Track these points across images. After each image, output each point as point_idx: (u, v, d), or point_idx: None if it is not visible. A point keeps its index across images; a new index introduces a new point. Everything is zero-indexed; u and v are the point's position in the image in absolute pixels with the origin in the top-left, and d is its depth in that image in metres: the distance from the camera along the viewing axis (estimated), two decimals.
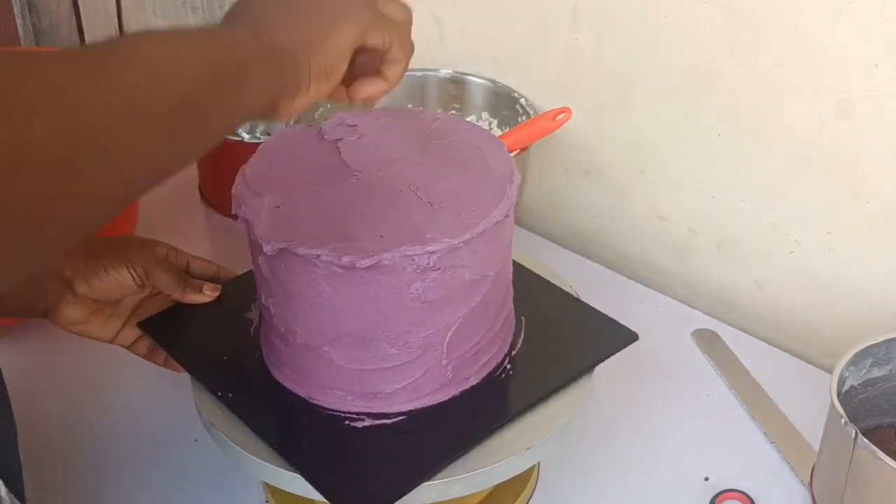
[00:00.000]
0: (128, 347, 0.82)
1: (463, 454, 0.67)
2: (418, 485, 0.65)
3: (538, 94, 1.10)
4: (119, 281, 0.77)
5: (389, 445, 0.69)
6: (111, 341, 0.81)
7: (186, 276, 0.81)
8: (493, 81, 1.13)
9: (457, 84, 1.15)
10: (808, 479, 0.83)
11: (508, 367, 0.75)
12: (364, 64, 0.64)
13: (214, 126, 0.54)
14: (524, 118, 1.07)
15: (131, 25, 1.73)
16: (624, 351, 0.77)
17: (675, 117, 1.00)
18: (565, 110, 1.01)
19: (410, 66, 1.14)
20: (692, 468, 0.85)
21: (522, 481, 0.81)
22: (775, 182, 0.96)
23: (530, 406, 0.71)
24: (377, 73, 0.67)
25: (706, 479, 0.84)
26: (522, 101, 1.09)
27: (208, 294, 0.80)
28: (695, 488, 0.83)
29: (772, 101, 0.92)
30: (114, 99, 0.45)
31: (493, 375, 0.74)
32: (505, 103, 1.12)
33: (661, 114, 1.01)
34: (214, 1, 1.52)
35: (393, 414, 0.70)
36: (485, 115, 1.14)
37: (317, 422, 0.71)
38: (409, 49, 0.66)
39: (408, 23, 0.66)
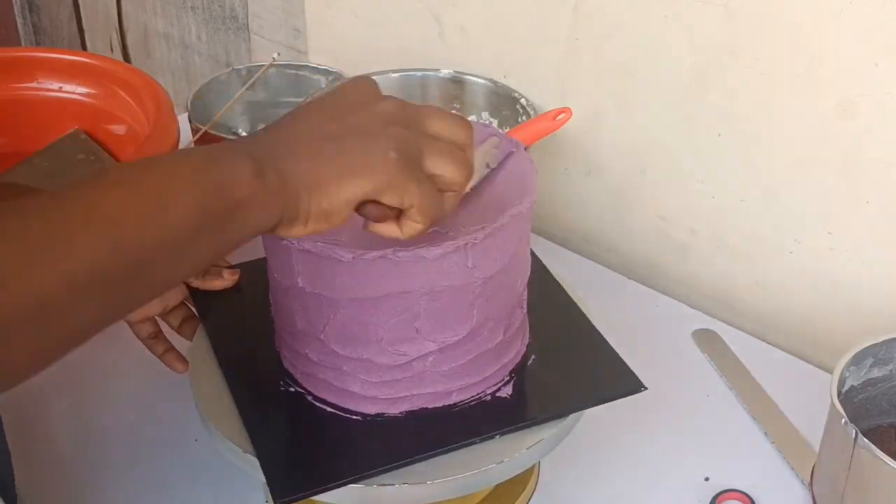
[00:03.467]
0: (132, 324, 0.83)
1: (413, 464, 0.67)
2: (336, 486, 0.65)
3: (538, 94, 1.10)
4: None
5: (338, 436, 0.70)
6: None
7: None
8: (493, 81, 1.13)
9: (457, 84, 1.15)
10: (809, 479, 0.83)
11: (507, 388, 0.73)
12: (375, 214, 0.59)
13: (188, 267, 0.53)
14: (524, 118, 1.07)
15: (131, 25, 1.73)
16: (624, 350, 0.77)
17: (675, 117, 1.00)
18: (565, 110, 1.01)
19: (410, 66, 1.16)
20: (692, 468, 0.85)
21: (522, 481, 0.81)
22: (775, 182, 0.96)
23: (507, 432, 0.70)
24: (396, 218, 0.60)
25: (706, 479, 0.84)
26: (523, 101, 1.09)
27: (228, 278, 0.81)
28: (695, 488, 0.83)
29: (772, 101, 0.92)
30: (77, 267, 0.45)
31: (491, 390, 0.73)
32: (505, 103, 1.12)
33: (661, 114, 1.01)
34: (214, 1, 1.52)
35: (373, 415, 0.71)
36: (485, 115, 1.14)
37: (280, 397, 0.73)
38: (434, 215, 0.59)
39: (455, 185, 0.60)
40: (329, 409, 0.71)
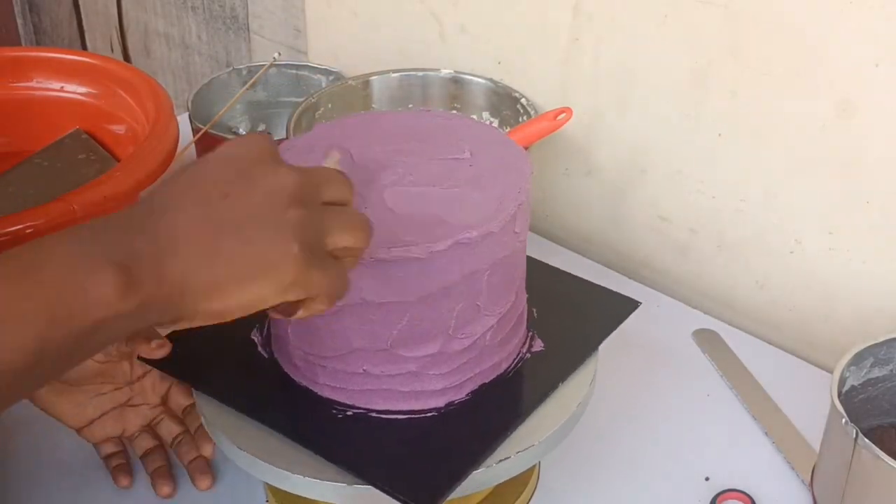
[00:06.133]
0: (95, 445, 0.81)
1: (511, 433, 0.69)
2: (471, 472, 0.66)
3: (538, 94, 1.10)
4: None
5: (427, 437, 0.70)
6: (79, 430, 0.80)
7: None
8: (494, 81, 1.13)
9: (457, 84, 1.15)
10: (809, 479, 0.83)
11: (538, 342, 0.76)
12: (278, 310, 0.55)
13: (22, 390, 0.47)
14: (525, 118, 1.08)
15: (131, 25, 1.73)
16: (624, 350, 0.77)
17: (675, 117, 1.00)
18: (566, 110, 1.01)
19: (410, 66, 1.16)
20: (692, 468, 0.85)
21: (522, 481, 0.81)
22: (776, 182, 0.96)
23: (567, 376, 0.73)
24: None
25: (706, 479, 0.84)
26: (523, 101, 1.09)
27: (156, 349, 0.71)
28: (695, 488, 0.83)
29: (772, 101, 0.92)
30: None
31: (524, 348, 0.76)
32: (505, 103, 1.12)
33: (661, 114, 1.01)
34: (215, 1, 1.52)
35: (420, 410, 0.71)
36: (485, 115, 1.14)
37: (347, 423, 0.71)
38: (340, 296, 0.56)
39: (357, 251, 0.57)
40: (401, 416, 0.71)
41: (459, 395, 0.72)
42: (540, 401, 0.72)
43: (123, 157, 1.13)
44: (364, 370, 0.70)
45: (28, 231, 0.88)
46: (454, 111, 1.16)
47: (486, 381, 0.73)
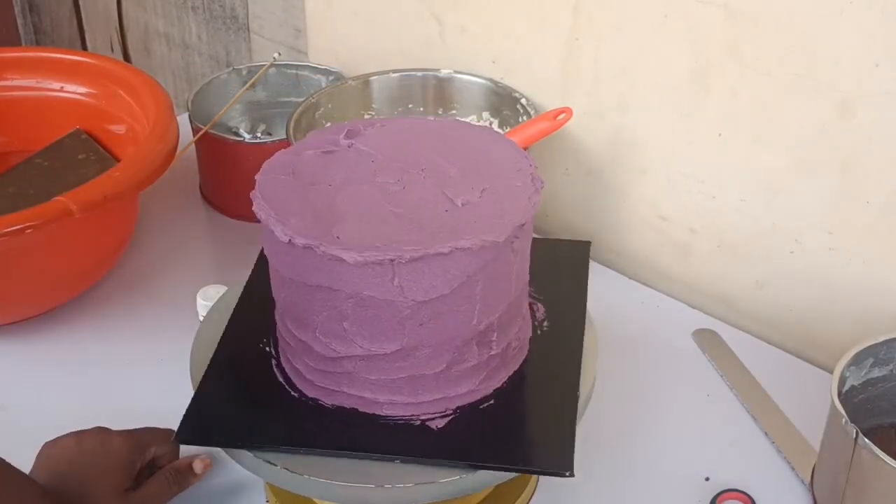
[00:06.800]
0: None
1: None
2: (239, 445, 0.69)
3: (538, 94, 1.10)
4: None
5: (280, 412, 0.72)
6: None
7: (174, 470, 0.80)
8: (494, 81, 1.13)
9: (457, 84, 1.15)
10: (809, 478, 0.83)
11: (440, 421, 0.71)
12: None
13: None
14: (525, 118, 1.08)
15: (131, 25, 1.74)
16: (625, 351, 0.77)
17: (675, 117, 1.00)
18: (566, 110, 1.01)
19: (410, 66, 1.16)
20: (692, 468, 0.85)
21: (522, 481, 0.81)
22: (775, 182, 0.96)
23: (408, 461, 0.68)
24: None
25: (706, 479, 0.84)
26: (523, 101, 1.09)
27: (199, 472, 0.81)
28: (695, 488, 0.83)
29: (772, 101, 0.92)
30: None
31: (424, 417, 0.70)
32: (505, 103, 1.12)
33: (661, 114, 1.01)
34: (215, 1, 1.52)
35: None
36: (485, 115, 1.14)
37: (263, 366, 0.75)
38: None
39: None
40: (280, 378, 0.74)
41: (326, 401, 0.71)
42: (364, 456, 0.68)
43: (123, 157, 1.13)
44: (275, 322, 0.74)
45: (28, 231, 0.88)
46: (453, 112, 1.16)
47: (359, 409, 0.70)
